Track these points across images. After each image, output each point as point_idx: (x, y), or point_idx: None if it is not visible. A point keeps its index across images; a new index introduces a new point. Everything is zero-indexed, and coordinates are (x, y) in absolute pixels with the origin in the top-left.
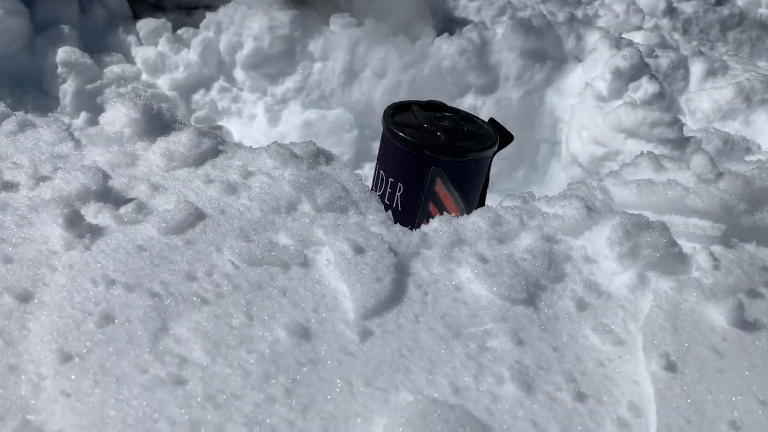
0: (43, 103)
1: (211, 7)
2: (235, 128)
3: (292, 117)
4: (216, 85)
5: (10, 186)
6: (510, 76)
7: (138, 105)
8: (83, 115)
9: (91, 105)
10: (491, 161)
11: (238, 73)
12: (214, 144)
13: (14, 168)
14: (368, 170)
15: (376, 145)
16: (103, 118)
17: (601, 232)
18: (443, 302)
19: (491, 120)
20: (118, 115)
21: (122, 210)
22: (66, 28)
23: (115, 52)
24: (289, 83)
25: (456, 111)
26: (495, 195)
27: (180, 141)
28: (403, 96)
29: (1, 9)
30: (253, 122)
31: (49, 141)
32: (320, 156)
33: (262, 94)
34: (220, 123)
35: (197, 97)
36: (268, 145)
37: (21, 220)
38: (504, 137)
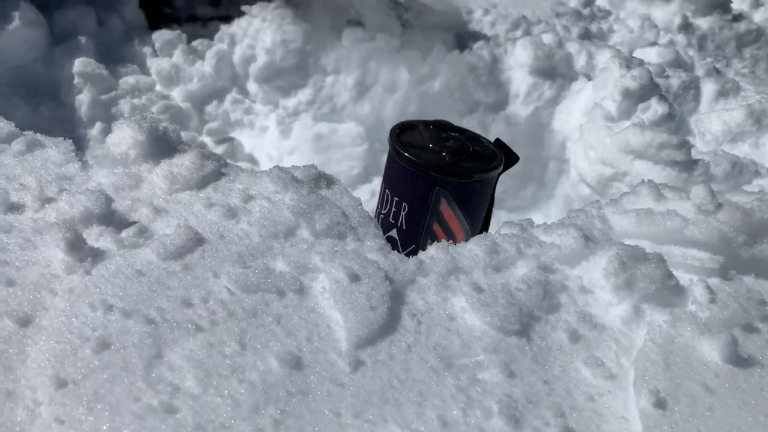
0: (59, 114)
1: (226, 20)
2: (246, 140)
3: (304, 130)
4: (229, 97)
5: (16, 207)
6: (519, 94)
7: (143, 127)
8: (98, 125)
9: (106, 115)
10: (497, 181)
11: (251, 86)
12: (217, 167)
13: (21, 189)
14: (376, 184)
15: (384, 159)
16: (110, 139)
17: (597, 263)
18: (436, 332)
19: (497, 140)
20: (124, 137)
21: (124, 234)
22: (83, 39)
23: (131, 63)
24: (301, 96)
25: (462, 131)
26: (503, 212)
27: (183, 164)
28: (413, 111)
29: (20, 20)
30: (265, 134)
31: (57, 162)
32: (321, 180)
33: (274, 107)
34: (232, 134)
35: (210, 108)
36: (269, 169)
37: (25, 243)
38: (510, 158)
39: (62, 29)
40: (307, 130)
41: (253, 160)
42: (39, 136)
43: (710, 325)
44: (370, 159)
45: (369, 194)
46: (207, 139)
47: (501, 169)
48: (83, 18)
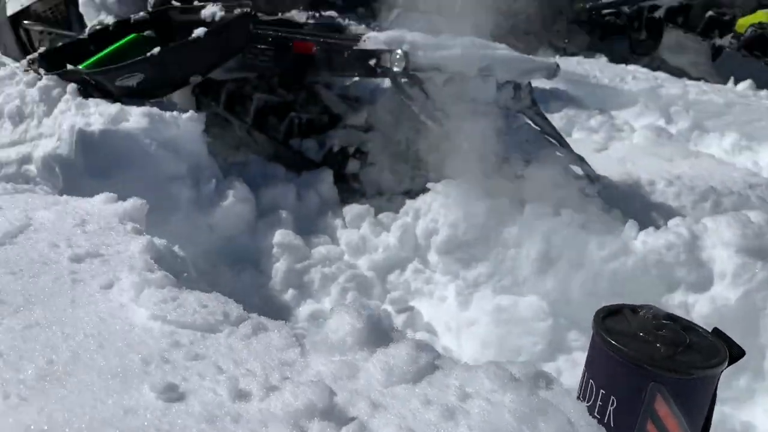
0: (257, 281)
1: (411, 195)
2: (425, 309)
3: (483, 302)
4: (410, 267)
5: (243, 395)
6: (726, 274)
7: (362, 315)
8: (290, 291)
9: (298, 282)
10: (719, 379)
11: (432, 256)
12: (431, 359)
13: (248, 375)
14: (562, 362)
15: (571, 336)
16: (328, 325)
17: None
18: None
19: (716, 330)
20: (341, 324)
21: (343, 430)
22: (284, 213)
23: (323, 233)
24: (482, 268)
25: (674, 318)
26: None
27: (399, 355)
28: (603, 287)
29: (234, 197)
30: (444, 304)
31: (278, 346)
32: (540, 379)
33: (453, 277)
34: (411, 303)
35: (392, 277)
36: (485, 364)
37: None
38: (733, 352)
39: (266, 204)
40: (487, 302)
41: (431, 330)
42: (263, 320)
43: None
44: (555, 335)
45: (554, 373)
46: (389, 307)
47: (725, 365)
48: (285, 195)
